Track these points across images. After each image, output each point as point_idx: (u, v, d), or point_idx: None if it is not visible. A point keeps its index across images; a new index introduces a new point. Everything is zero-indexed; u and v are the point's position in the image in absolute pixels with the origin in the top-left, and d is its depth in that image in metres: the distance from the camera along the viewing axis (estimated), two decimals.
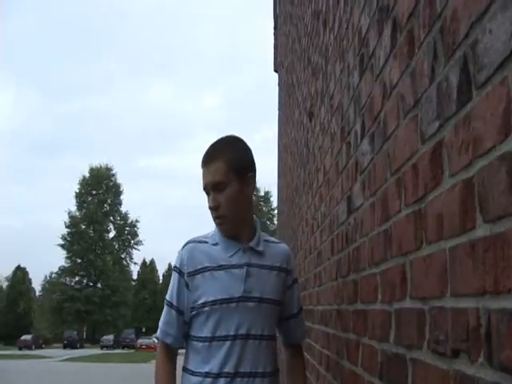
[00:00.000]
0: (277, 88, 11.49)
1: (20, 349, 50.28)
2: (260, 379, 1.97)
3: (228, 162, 2.00)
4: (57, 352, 43.63)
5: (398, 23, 1.41)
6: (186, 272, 2.03)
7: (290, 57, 6.74)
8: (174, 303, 2.06)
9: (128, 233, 71.17)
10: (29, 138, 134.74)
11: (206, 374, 1.94)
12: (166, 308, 2.10)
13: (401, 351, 1.37)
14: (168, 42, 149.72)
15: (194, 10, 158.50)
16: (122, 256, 71.52)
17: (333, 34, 2.69)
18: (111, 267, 66.64)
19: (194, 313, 2.01)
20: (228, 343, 1.95)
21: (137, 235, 71.11)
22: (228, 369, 1.93)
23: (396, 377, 1.40)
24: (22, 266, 73.10)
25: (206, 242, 2.09)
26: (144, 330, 61.80)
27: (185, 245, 2.10)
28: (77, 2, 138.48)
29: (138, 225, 71.23)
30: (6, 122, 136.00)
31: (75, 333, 56.82)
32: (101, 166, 68.67)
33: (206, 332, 1.98)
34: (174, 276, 2.08)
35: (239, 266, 2.01)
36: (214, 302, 1.97)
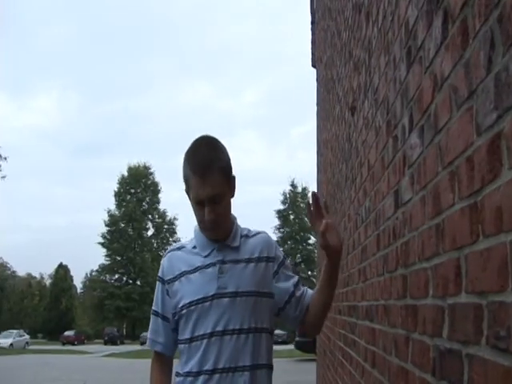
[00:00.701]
0: (315, 83, 11.43)
1: (63, 344, 51.32)
2: (240, 373, 1.94)
3: (222, 170, 1.97)
4: (98, 348, 44.29)
5: (450, 14, 1.39)
6: (166, 280, 2.08)
7: (328, 51, 6.70)
8: (160, 311, 2.11)
9: (166, 230, 71.44)
10: (72, 140, 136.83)
11: (187, 374, 1.97)
12: (152, 317, 2.15)
13: (455, 347, 1.35)
14: (207, 41, 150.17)
15: (231, 8, 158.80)
16: (161, 253, 71.22)
17: (376, 26, 2.66)
18: (150, 265, 66.73)
19: (176, 318, 2.04)
20: (205, 341, 1.95)
21: (175, 233, 71.30)
22: (207, 366, 1.93)
23: (450, 373, 1.38)
24: (63, 263, 74.71)
25: (184, 247, 2.13)
26: None
27: (165, 254, 2.17)
28: (117, 5, 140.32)
29: (177, 222, 71.47)
30: (51, 124, 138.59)
31: (115, 329, 57.66)
32: (139, 165, 69.03)
33: (186, 334, 2.01)
34: (157, 285, 2.13)
35: (213, 265, 2.01)
36: (190, 304, 1.98)
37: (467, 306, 1.26)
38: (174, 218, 71.12)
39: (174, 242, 70.93)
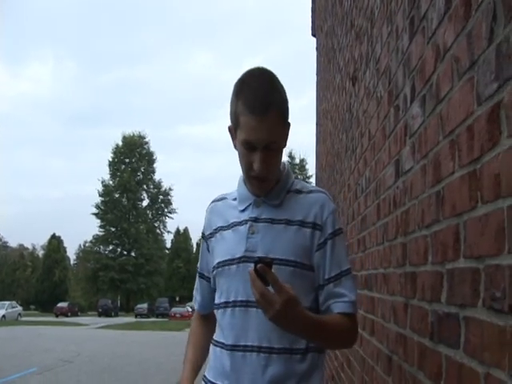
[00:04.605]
0: (315, 53, 11.36)
1: (57, 316, 51.38)
2: (266, 355, 1.60)
3: (282, 112, 1.63)
4: (92, 320, 44.35)
5: None
6: (206, 235, 1.87)
7: (329, 20, 6.66)
8: (199, 269, 1.94)
9: (161, 201, 70.78)
10: (68, 110, 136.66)
11: (216, 343, 1.75)
12: (196, 274, 1.97)
13: (453, 310, 1.39)
14: (207, 10, 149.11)
15: None
16: (156, 225, 71.32)
17: None
18: (145, 236, 66.76)
19: (212, 279, 1.83)
20: (228, 311, 1.69)
21: (170, 204, 70.71)
22: (229, 341, 1.67)
23: (448, 336, 1.43)
24: (56, 234, 74.50)
25: (225, 199, 1.86)
26: (178, 299, 61.59)
27: (208, 206, 1.92)
28: None
29: (172, 193, 70.75)
30: (45, 94, 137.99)
31: (110, 301, 57.54)
32: (134, 134, 68.13)
33: (216, 298, 1.78)
34: (201, 241, 1.94)
35: (245, 222, 1.72)
36: (218, 265, 1.75)
37: (465, 271, 1.30)
38: (170, 189, 70.63)
39: (170, 212, 70.27)
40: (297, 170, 59.10)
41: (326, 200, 1.74)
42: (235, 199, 1.81)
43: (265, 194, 1.73)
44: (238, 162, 1.70)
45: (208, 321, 1.93)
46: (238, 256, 1.69)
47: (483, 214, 1.17)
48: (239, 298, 1.67)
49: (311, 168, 53.58)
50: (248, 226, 1.71)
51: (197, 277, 1.97)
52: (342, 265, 1.69)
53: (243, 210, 1.75)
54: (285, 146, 1.71)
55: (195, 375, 1.85)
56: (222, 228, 1.79)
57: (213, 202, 1.91)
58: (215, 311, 1.79)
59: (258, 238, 1.68)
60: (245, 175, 1.72)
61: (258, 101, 1.58)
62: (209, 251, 1.85)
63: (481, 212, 1.19)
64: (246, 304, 1.65)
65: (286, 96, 1.67)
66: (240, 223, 1.73)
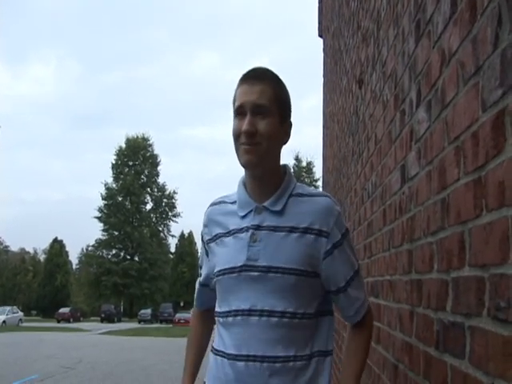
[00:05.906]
0: (322, 54, 11.31)
1: (58, 321, 50.63)
2: (269, 365, 1.59)
3: (275, 90, 1.68)
4: (95, 325, 43.96)
5: None
6: (206, 240, 1.84)
7: (336, 21, 6.62)
8: (200, 270, 1.94)
9: (165, 205, 69.83)
10: (70, 111, 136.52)
11: (216, 352, 1.74)
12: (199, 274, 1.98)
13: (459, 319, 1.37)
14: (212, 10, 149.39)
15: None
16: (160, 228, 70.46)
17: None
18: (148, 240, 65.83)
19: (214, 284, 1.81)
20: (230, 320, 1.67)
21: (175, 207, 69.77)
22: (231, 349, 1.65)
23: (453, 345, 1.41)
24: (58, 238, 73.65)
25: (224, 202, 1.83)
26: (182, 304, 60.36)
27: (207, 208, 1.89)
28: None
29: (177, 196, 69.59)
30: (47, 94, 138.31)
31: (113, 306, 57.03)
32: (137, 137, 67.19)
33: (217, 307, 1.78)
34: (201, 244, 1.94)
35: (246, 230, 1.69)
36: (218, 273, 1.73)
37: (470, 279, 1.28)
38: (174, 192, 69.72)
39: (174, 216, 69.25)
40: (304, 173, 58.95)
41: (331, 204, 1.70)
42: (234, 202, 1.78)
43: (264, 198, 1.71)
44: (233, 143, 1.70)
45: (208, 317, 1.97)
46: (239, 265, 1.66)
47: (487, 222, 1.15)
48: (241, 307, 1.65)
49: (318, 171, 53.54)
50: (250, 233, 1.68)
51: (198, 279, 1.97)
52: (350, 270, 1.71)
53: (243, 217, 1.72)
54: (284, 141, 1.74)
55: (193, 380, 1.94)
56: (223, 235, 1.76)
57: (211, 205, 1.88)
58: (216, 319, 1.78)
59: (261, 247, 1.65)
60: (235, 147, 1.69)
61: (252, 72, 1.71)
62: (207, 256, 1.84)
63: (485, 220, 1.17)
64: (248, 313, 1.63)
65: (285, 89, 1.75)
66: (241, 230, 1.71)
